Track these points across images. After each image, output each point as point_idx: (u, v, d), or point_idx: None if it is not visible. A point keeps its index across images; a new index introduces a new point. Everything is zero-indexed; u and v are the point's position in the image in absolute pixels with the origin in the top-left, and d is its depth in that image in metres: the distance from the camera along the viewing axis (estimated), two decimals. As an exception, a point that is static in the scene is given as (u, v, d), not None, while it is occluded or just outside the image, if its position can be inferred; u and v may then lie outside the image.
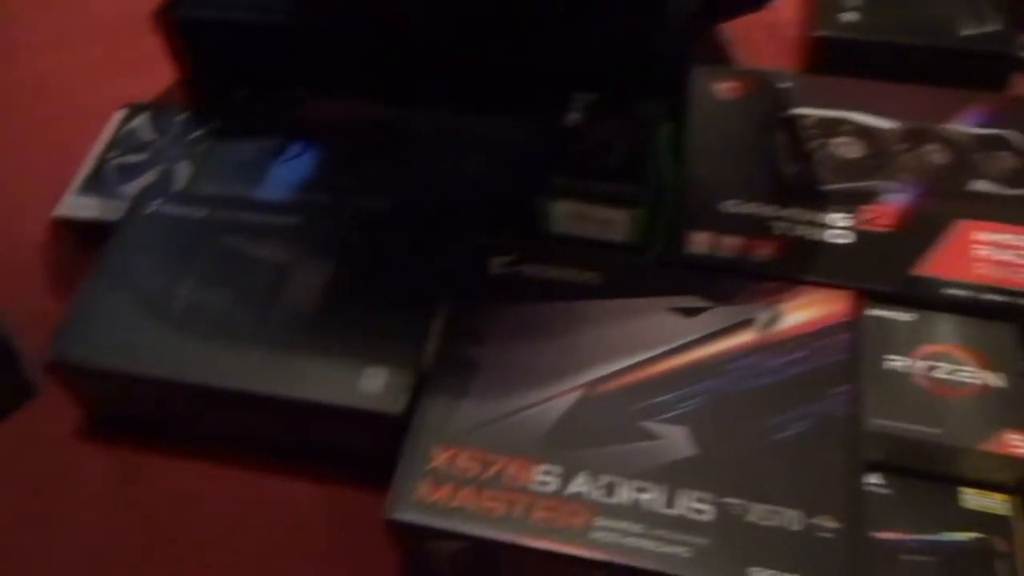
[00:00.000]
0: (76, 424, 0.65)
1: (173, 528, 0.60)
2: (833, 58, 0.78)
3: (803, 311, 0.60)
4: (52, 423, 0.65)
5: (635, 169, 0.67)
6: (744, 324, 0.59)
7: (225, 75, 0.80)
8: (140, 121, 0.79)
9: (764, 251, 0.64)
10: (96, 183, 0.75)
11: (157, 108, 0.81)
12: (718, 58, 0.85)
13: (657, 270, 0.64)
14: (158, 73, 0.87)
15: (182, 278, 0.63)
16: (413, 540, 0.54)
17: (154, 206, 0.68)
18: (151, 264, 0.65)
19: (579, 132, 0.69)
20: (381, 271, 0.63)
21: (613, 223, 0.66)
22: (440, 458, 0.55)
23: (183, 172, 0.74)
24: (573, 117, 0.70)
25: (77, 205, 0.73)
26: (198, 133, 0.78)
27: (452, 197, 0.70)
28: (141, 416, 0.63)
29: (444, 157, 0.72)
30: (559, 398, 0.57)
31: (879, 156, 0.69)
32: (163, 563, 0.59)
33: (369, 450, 0.59)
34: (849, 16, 0.78)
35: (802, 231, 0.65)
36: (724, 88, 0.74)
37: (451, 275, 0.63)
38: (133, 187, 0.74)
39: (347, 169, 0.72)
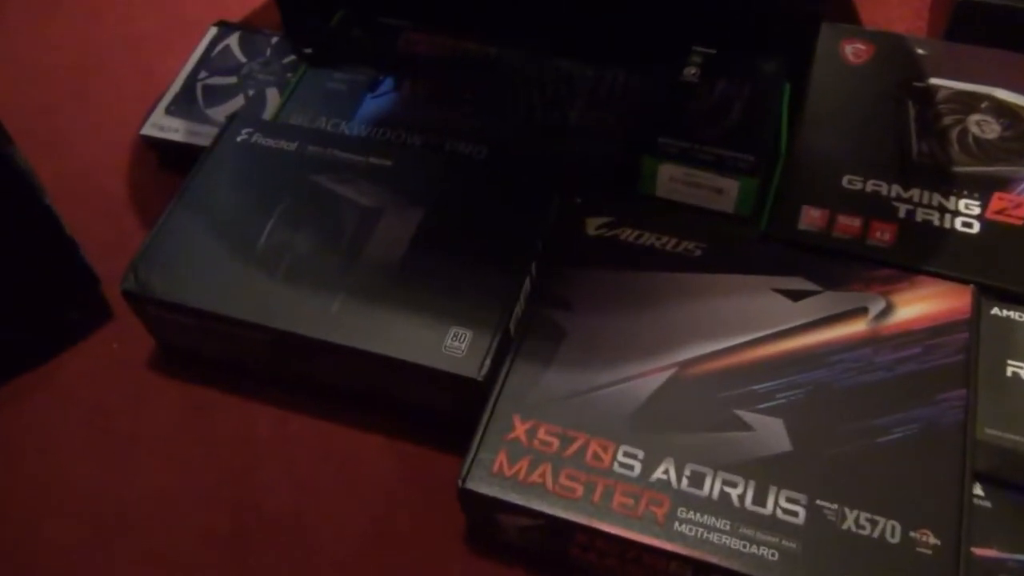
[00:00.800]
0: (150, 354, 0.64)
1: (237, 470, 0.59)
2: (978, 25, 0.72)
3: (920, 304, 0.56)
4: (126, 350, 0.64)
5: (753, 136, 0.63)
6: (854, 313, 0.56)
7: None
8: (231, 41, 0.77)
9: (882, 234, 0.60)
10: (184, 104, 0.73)
11: (249, 28, 0.78)
12: (844, 17, 0.79)
13: (764, 246, 0.61)
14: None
15: (267, 214, 0.61)
16: (484, 510, 0.52)
17: (243, 135, 0.65)
18: (236, 197, 0.63)
19: (694, 90, 0.65)
20: (472, 223, 0.60)
21: (722, 192, 0.62)
22: (519, 430, 0.52)
23: (273, 99, 0.72)
24: (690, 72, 0.65)
25: (164, 126, 0.71)
26: (290, 59, 0.75)
27: (552, 149, 0.66)
28: (214, 354, 0.62)
29: (547, 105, 0.68)
30: (649, 376, 0.54)
31: (1021, 138, 0.64)
32: (224, 503, 0.58)
33: (444, 412, 0.57)
34: (1004, -20, 0.72)
35: (926, 216, 0.61)
36: (851, 50, 0.69)
37: (544, 234, 0.60)
38: (221, 111, 0.72)
39: (443, 110, 0.69)
